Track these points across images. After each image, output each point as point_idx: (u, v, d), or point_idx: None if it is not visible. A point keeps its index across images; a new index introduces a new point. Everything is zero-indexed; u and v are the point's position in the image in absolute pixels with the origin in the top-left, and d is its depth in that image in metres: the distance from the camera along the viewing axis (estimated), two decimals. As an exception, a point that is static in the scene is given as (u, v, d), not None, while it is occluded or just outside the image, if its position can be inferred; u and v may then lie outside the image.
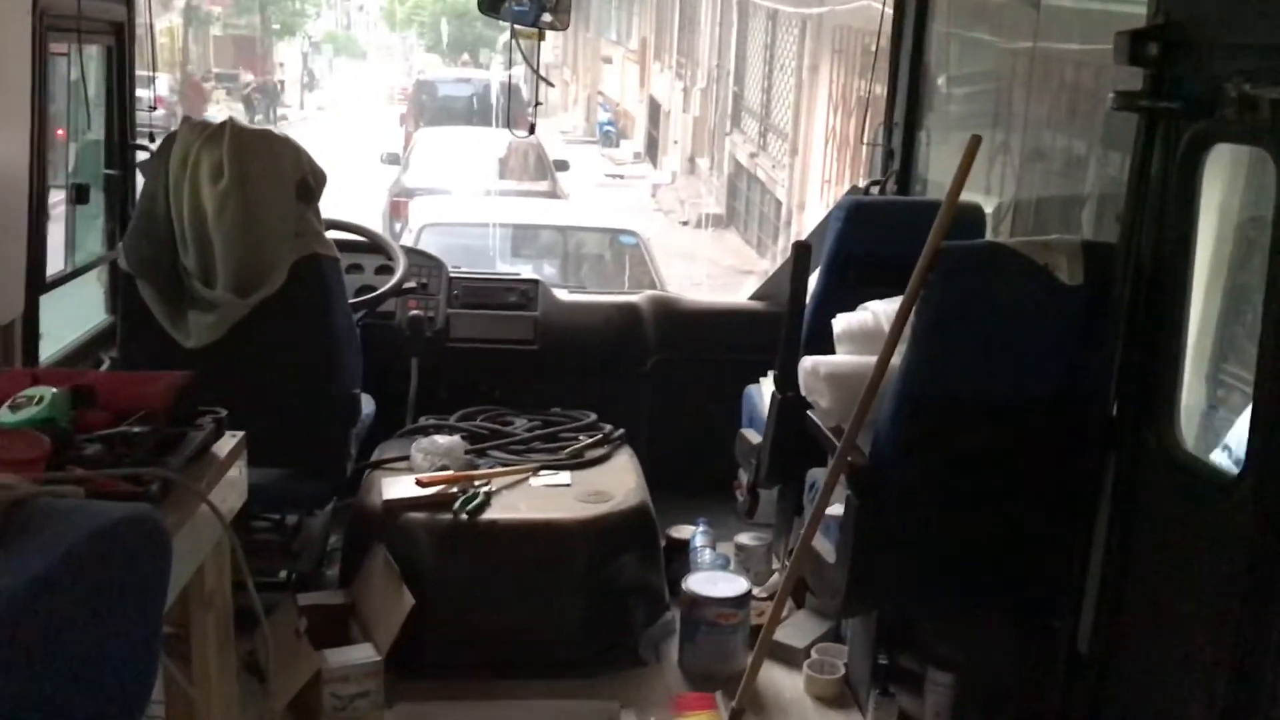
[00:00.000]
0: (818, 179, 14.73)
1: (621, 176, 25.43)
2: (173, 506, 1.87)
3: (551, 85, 3.85)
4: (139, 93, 4.32)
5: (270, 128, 3.30)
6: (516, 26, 4.20)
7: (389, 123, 26.64)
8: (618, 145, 29.49)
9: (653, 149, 26.94)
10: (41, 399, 1.85)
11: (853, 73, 12.56)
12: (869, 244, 3.72)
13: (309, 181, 3.27)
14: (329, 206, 3.57)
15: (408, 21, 50.22)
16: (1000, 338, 2.83)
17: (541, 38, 4.37)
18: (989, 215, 3.99)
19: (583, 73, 36.26)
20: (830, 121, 14.03)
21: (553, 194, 14.37)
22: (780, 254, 15.16)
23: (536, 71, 4.08)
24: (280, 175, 3.20)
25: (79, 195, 3.72)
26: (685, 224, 19.56)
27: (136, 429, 1.90)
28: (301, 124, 35.47)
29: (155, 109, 4.38)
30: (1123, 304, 2.66)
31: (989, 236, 3.81)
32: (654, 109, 27.40)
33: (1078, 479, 2.75)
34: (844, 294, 3.65)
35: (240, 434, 2.24)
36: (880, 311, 3.32)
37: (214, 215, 3.17)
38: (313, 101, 41.22)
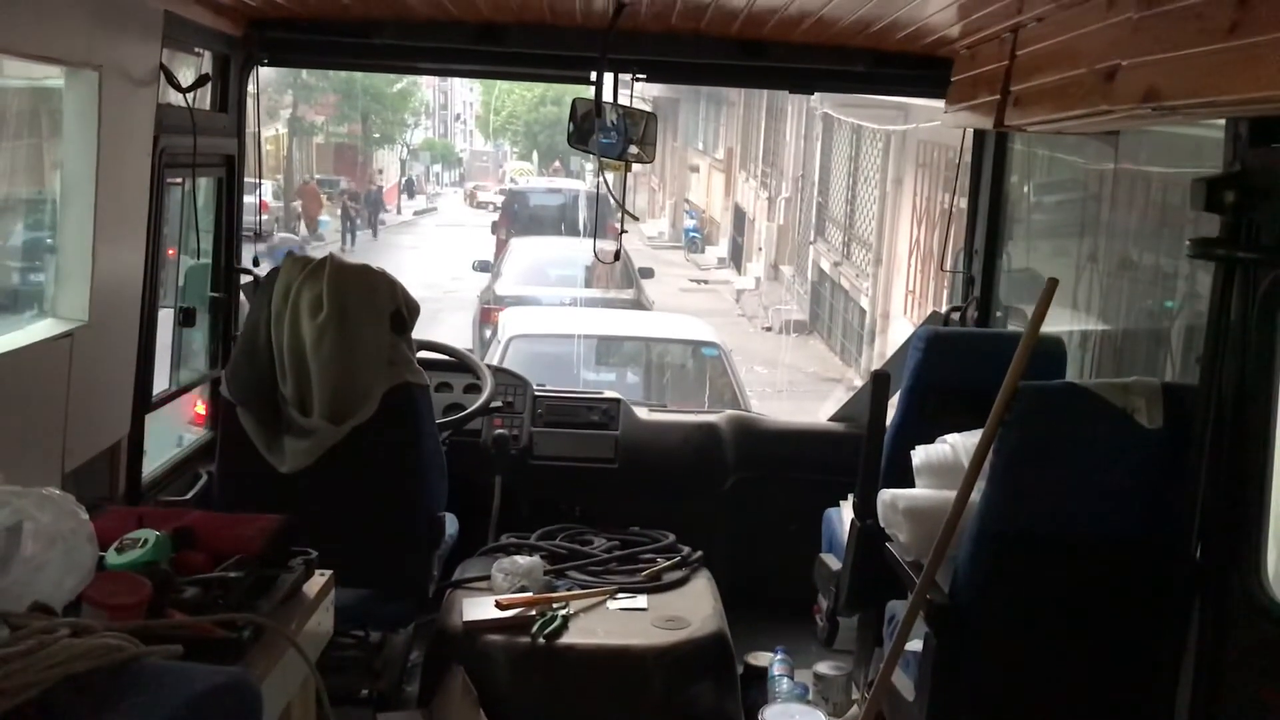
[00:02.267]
0: (902, 289, 14.74)
1: (706, 282, 25.72)
2: (264, 650, 1.96)
3: (636, 219, 3.98)
4: (247, 198, 4.55)
5: (367, 263, 3.47)
6: (603, 159, 4.36)
7: (482, 224, 27.33)
8: (703, 251, 29.88)
9: (737, 255, 27.22)
10: (146, 542, 1.96)
11: (937, 186, 12.64)
12: (948, 375, 3.73)
13: (403, 313, 3.42)
14: (426, 312, 3.71)
15: (502, 130, 51.84)
16: (1079, 478, 2.82)
17: (628, 169, 4.52)
18: (1071, 336, 3.98)
19: (670, 180, 36.94)
20: (914, 233, 14.09)
21: (638, 302, 14.59)
22: (868, 364, 15.11)
23: (622, 206, 4.21)
24: (376, 308, 3.35)
25: (186, 318, 3.92)
26: (768, 329, 19.65)
27: (232, 574, 2.00)
28: (400, 230, 36.65)
29: (263, 213, 4.59)
30: (1204, 447, 2.64)
31: (1072, 364, 3.81)
32: (739, 216, 27.76)
33: (1161, 624, 2.71)
34: (923, 423, 3.66)
35: (329, 573, 2.33)
36: (959, 445, 3.33)
37: (312, 346, 3.32)
38: (410, 206, 42.59)
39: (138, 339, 3.52)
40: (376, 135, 38.35)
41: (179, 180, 3.82)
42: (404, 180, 42.22)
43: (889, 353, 12.63)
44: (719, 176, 30.71)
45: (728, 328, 18.72)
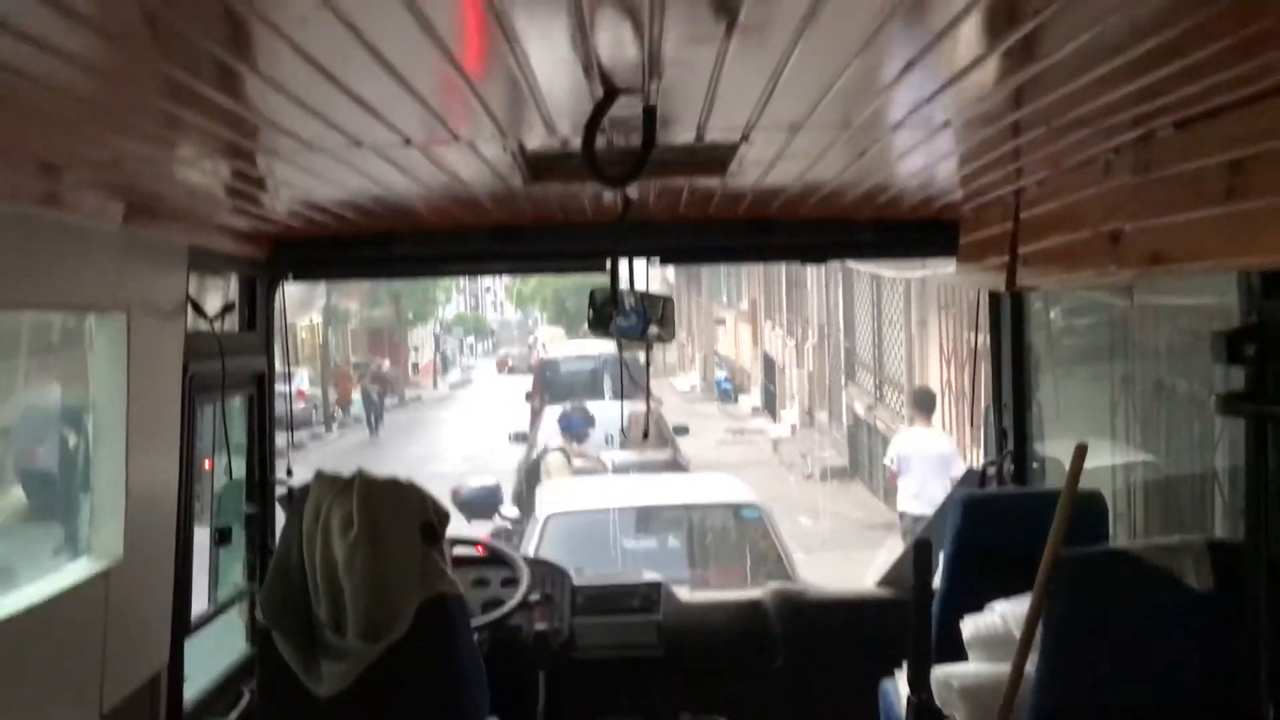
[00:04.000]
0: (939, 428, 14.63)
1: (741, 432, 25.68)
2: None
3: (660, 402, 4.00)
4: (279, 387, 4.60)
5: (397, 476, 3.48)
6: (624, 340, 4.41)
7: (516, 390, 27.54)
8: (736, 401, 29.94)
9: (770, 403, 27.24)
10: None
11: (961, 325, 12.65)
12: (990, 538, 3.67)
13: (433, 523, 3.42)
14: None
15: (531, 298, 52.79)
16: (1134, 646, 2.73)
17: (649, 351, 4.57)
18: (1114, 473, 3.89)
19: (698, 334, 37.31)
20: (944, 374, 14.06)
21: (674, 462, 14.52)
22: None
23: (648, 395, 4.25)
24: (406, 521, 3.36)
25: (222, 538, 3.93)
26: (809, 477, 19.47)
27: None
28: (437, 404, 37.03)
29: (299, 402, 4.65)
30: (1260, 606, 2.56)
31: (1115, 522, 3.73)
32: (769, 365, 27.89)
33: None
34: (969, 589, 3.58)
35: None
36: (1009, 615, 3.24)
37: (344, 566, 3.31)
38: (445, 380, 43.16)
39: (174, 566, 3.52)
40: (410, 315, 39.16)
41: (210, 402, 3.88)
42: (438, 356, 42.88)
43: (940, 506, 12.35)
44: (745, 327, 31.00)
45: (767, 478, 18.57)
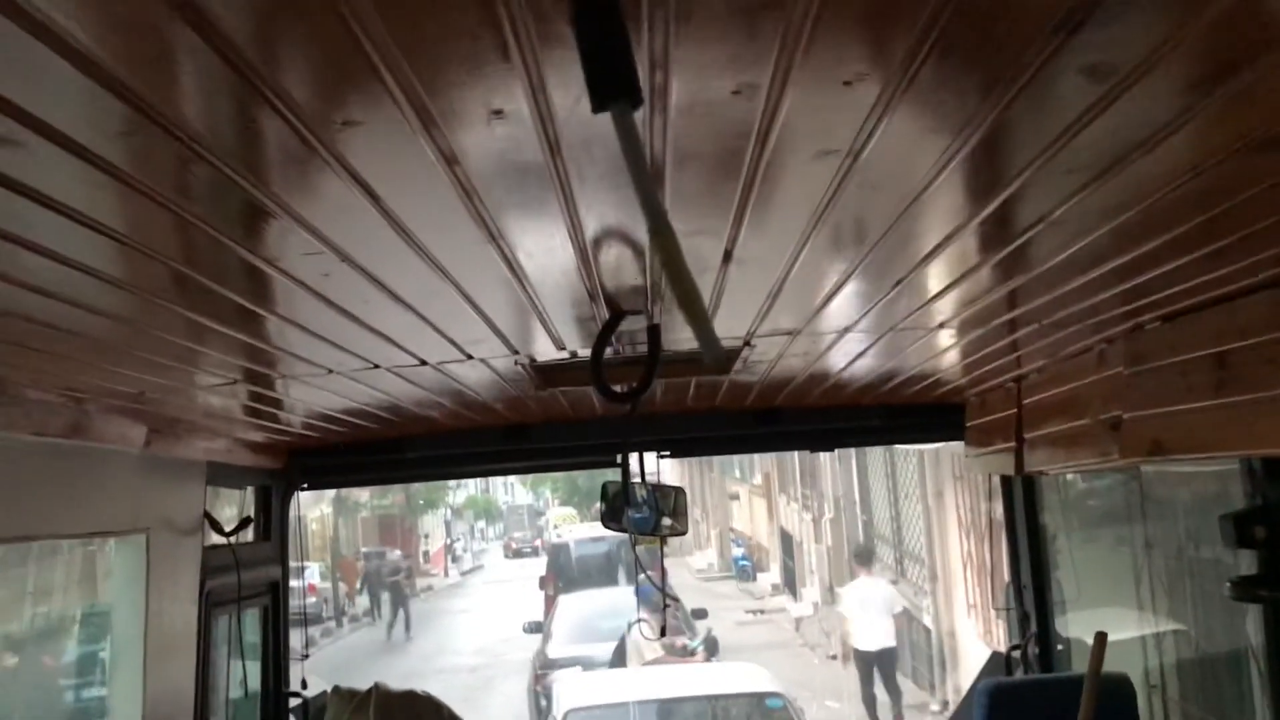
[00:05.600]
0: (963, 602, 14.36)
1: (762, 611, 25.12)
2: None
3: (677, 599, 3.95)
4: (291, 583, 4.56)
5: (414, 689, 3.45)
6: (638, 535, 4.42)
7: (528, 575, 27.06)
8: (754, 579, 29.39)
9: (790, 579, 26.76)
10: None
11: (978, 496, 12.59)
12: (1018, 728, 3.59)
13: (450, 737, 3.37)
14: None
15: (542, 479, 52.71)
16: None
17: (664, 544, 4.57)
18: (1144, 643, 3.81)
19: (712, 510, 37.02)
20: (964, 546, 13.89)
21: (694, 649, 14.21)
22: (943, 691, 14.47)
23: (664, 591, 4.23)
24: (423, 735, 3.31)
25: (238, 753, 3.86)
26: (833, 657, 18.98)
27: None
28: (448, 593, 36.45)
29: (310, 596, 4.61)
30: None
31: (1144, 703, 3.66)
32: (786, 540, 27.55)
33: None
34: (1002, 782, 3.48)
35: None
36: (1042, 811, 3.15)
37: (363, 784, 3.25)
38: (455, 568, 42.62)
39: None
40: (421, 502, 39.02)
41: (226, 614, 3.87)
42: (448, 544, 42.51)
43: (963, 681, 12.13)
44: (760, 502, 30.76)
45: (790, 661, 18.10)
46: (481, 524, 58.14)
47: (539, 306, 2.06)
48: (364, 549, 34.57)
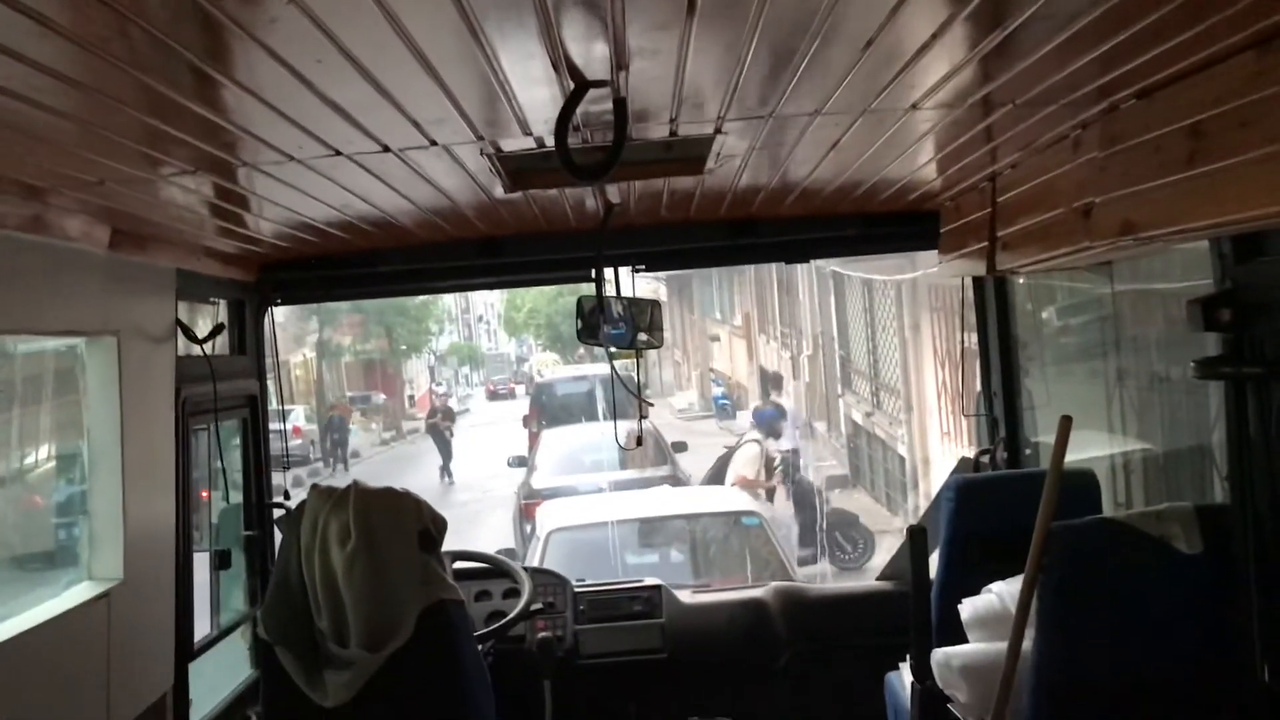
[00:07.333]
0: (937, 431, 14.66)
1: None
2: None
3: (651, 405, 4.01)
4: (274, 425, 4.63)
5: (391, 485, 3.51)
6: (614, 349, 4.44)
7: (513, 417, 27.49)
8: (734, 417, 29.88)
9: (770, 417, 27.16)
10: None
11: (954, 327, 12.71)
12: (983, 522, 3.69)
13: (430, 531, 3.43)
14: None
15: (525, 325, 52.84)
16: (1128, 614, 2.76)
17: (640, 357, 4.60)
18: (1113, 460, 3.91)
19: (692, 351, 37.33)
20: (939, 376, 14.10)
21: (674, 477, 14.55)
22: (913, 509, 14.91)
23: (639, 395, 4.28)
24: (403, 529, 3.38)
25: (221, 561, 3.95)
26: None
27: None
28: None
29: (295, 439, 4.68)
30: (1249, 566, 2.58)
31: (1109, 492, 3.76)
32: (765, 379, 27.88)
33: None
34: (967, 573, 3.60)
35: None
36: (1005, 593, 3.27)
37: (344, 576, 3.33)
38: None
39: (175, 589, 3.54)
40: (404, 347, 39.14)
41: (204, 426, 3.91)
42: (433, 388, 42.83)
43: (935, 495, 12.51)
44: (740, 342, 31.01)
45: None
46: (466, 370, 58.54)
47: (501, 78, 2.01)
48: (349, 393, 34.88)
